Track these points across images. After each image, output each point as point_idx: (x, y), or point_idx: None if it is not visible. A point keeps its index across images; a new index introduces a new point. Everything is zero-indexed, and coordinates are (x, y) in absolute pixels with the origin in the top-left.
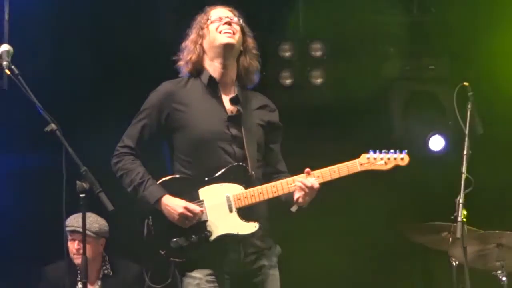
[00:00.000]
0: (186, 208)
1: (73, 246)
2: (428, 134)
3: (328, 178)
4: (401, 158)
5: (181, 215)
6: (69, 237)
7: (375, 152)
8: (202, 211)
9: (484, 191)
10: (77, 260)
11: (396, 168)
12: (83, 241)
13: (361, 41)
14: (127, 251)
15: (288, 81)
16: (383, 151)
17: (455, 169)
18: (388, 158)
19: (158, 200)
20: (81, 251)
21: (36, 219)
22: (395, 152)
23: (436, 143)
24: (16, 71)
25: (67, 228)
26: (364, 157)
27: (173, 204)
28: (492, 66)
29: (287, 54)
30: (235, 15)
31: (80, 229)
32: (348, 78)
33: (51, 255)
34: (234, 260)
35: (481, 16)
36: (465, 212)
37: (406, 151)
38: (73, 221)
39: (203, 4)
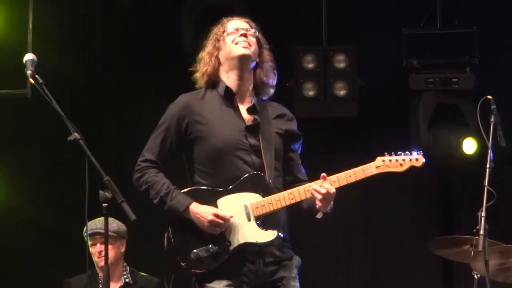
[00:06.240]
0: (215, 215)
1: (96, 249)
2: (456, 144)
3: (344, 182)
4: (416, 158)
5: (211, 222)
6: (90, 242)
7: (390, 155)
8: (231, 217)
9: (507, 204)
10: (101, 262)
11: (412, 168)
12: (105, 248)
13: (385, 53)
14: (145, 264)
15: (311, 93)
16: (398, 152)
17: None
18: (403, 160)
19: (187, 208)
20: (103, 253)
21: (59, 230)
22: (410, 153)
23: (469, 146)
24: (40, 80)
25: (88, 232)
26: (379, 159)
27: (203, 212)
28: None
29: (311, 65)
30: (252, 27)
31: (101, 230)
32: (372, 90)
33: (75, 267)
34: (253, 270)
35: (503, 29)
36: (487, 226)
37: (421, 152)
38: (92, 225)
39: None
